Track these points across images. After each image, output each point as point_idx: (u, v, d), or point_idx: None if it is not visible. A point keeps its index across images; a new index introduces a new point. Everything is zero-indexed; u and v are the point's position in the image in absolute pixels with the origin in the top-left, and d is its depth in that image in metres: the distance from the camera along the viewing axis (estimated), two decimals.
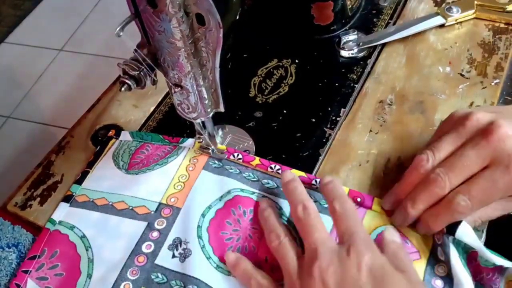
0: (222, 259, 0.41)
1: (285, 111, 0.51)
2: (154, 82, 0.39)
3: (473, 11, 0.53)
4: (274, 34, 0.59)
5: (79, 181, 0.49)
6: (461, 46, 0.52)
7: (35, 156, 0.58)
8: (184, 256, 0.41)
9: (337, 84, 0.52)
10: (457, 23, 0.54)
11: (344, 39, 0.54)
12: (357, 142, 0.47)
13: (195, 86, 0.39)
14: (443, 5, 0.55)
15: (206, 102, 0.41)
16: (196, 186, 0.45)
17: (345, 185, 0.44)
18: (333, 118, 0.49)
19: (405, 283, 0.33)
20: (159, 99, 0.56)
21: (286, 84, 0.53)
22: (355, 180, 0.45)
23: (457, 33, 0.54)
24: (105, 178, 0.48)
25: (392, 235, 0.38)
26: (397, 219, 0.39)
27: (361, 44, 0.54)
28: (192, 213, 0.44)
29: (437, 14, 0.54)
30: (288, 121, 0.50)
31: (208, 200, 0.44)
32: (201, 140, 0.46)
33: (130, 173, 0.48)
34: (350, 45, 0.54)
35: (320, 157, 0.47)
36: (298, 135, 0.49)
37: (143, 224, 0.44)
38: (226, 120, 0.51)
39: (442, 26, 0.54)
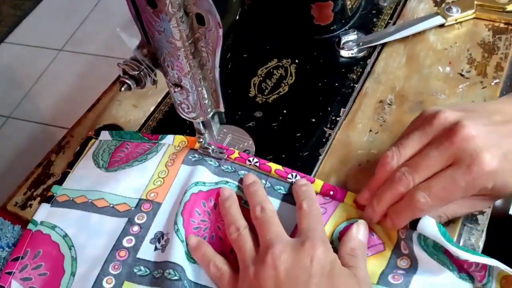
0: None
1: (285, 111, 0.51)
2: (154, 82, 0.39)
3: (473, 11, 0.53)
4: (274, 34, 0.59)
5: (60, 182, 0.49)
6: (461, 46, 0.52)
7: (35, 156, 0.58)
8: (165, 247, 0.42)
9: (337, 84, 0.52)
10: (457, 23, 0.54)
11: (344, 39, 0.54)
12: (357, 142, 0.47)
13: (194, 86, 0.39)
14: (443, 5, 0.55)
15: (206, 102, 0.41)
16: (176, 182, 0.46)
17: (345, 185, 0.45)
18: (333, 118, 0.49)
19: (352, 279, 0.35)
20: (159, 99, 0.56)
21: (286, 84, 0.53)
22: (354, 180, 0.45)
23: (457, 33, 0.54)
24: (85, 177, 0.49)
25: (357, 232, 0.39)
26: (366, 215, 0.40)
27: (361, 44, 0.54)
28: (173, 207, 0.44)
29: (437, 14, 0.54)
30: (288, 121, 0.50)
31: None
32: (200, 140, 0.46)
33: (109, 171, 0.48)
34: (350, 45, 0.54)
35: (320, 157, 0.47)
36: (298, 135, 0.49)
37: (124, 220, 0.45)
38: (226, 120, 0.51)
39: (442, 26, 0.54)
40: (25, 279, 0.43)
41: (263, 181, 0.45)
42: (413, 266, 0.38)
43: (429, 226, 0.37)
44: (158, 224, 0.44)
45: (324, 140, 0.48)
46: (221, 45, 0.35)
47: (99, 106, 0.57)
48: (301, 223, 0.39)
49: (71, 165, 0.51)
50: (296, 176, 0.44)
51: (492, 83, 0.49)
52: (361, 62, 0.53)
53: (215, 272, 0.39)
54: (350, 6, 0.56)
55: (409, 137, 0.39)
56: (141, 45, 0.38)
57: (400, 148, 0.38)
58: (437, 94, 0.49)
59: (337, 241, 0.40)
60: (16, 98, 1.65)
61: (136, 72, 0.38)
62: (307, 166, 0.46)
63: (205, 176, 0.46)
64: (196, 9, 0.33)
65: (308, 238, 0.36)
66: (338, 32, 0.56)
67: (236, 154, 0.47)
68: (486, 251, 0.40)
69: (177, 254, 0.41)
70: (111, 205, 0.46)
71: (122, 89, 0.38)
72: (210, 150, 0.47)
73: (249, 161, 0.46)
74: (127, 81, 0.38)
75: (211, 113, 0.42)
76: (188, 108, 0.42)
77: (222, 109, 0.42)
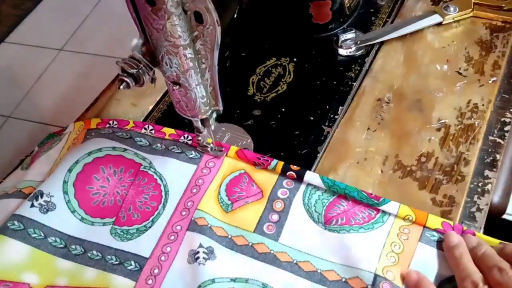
0: (87, 212, 0.45)
1: (283, 109, 0.51)
2: (152, 80, 0.39)
3: (471, 9, 0.54)
4: (272, 32, 0.59)
5: None
6: (458, 44, 0.52)
7: None
8: (46, 209, 0.44)
9: (335, 83, 0.52)
10: (454, 22, 0.54)
11: (342, 37, 0.55)
12: (355, 140, 0.47)
13: (193, 84, 0.39)
14: (441, 3, 0.55)
15: (205, 100, 0.41)
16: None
17: (343, 182, 0.45)
18: (331, 116, 0.50)
19: None
20: (158, 98, 0.56)
21: (284, 82, 0.54)
22: (352, 178, 0.45)
23: (454, 31, 0.54)
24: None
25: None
26: None
27: (359, 42, 0.54)
28: (58, 169, 0.46)
29: (434, 12, 0.54)
30: (286, 119, 0.51)
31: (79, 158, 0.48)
32: (200, 138, 0.47)
33: (27, 169, 0.52)
34: (348, 43, 0.54)
35: (318, 155, 0.47)
36: (296, 133, 0.49)
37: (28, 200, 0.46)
38: (225, 118, 0.51)
39: (439, 24, 0.54)
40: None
41: (158, 145, 0.48)
42: (285, 210, 0.43)
43: (313, 177, 0.43)
44: (43, 185, 0.46)
45: (322, 138, 0.48)
46: (220, 43, 0.36)
47: (98, 105, 0.58)
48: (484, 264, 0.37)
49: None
50: (187, 137, 0.48)
51: (490, 81, 0.49)
52: (359, 61, 0.54)
53: None
54: (348, 5, 0.56)
55: None
56: (140, 43, 0.38)
57: None
58: (435, 92, 0.49)
59: (224, 193, 0.45)
60: (16, 98, 1.65)
61: (135, 70, 0.38)
62: (305, 164, 0.46)
63: (101, 143, 0.48)
64: (194, 7, 0.33)
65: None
66: (336, 30, 0.57)
67: (131, 124, 0.50)
68: None
69: (64, 222, 0.44)
70: (19, 189, 0.47)
71: (121, 87, 0.38)
72: (209, 148, 0.47)
73: (145, 128, 0.49)
74: (125, 79, 0.38)
75: (210, 111, 0.43)
76: (187, 106, 0.42)
77: (220, 107, 0.42)
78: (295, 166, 0.44)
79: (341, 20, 0.57)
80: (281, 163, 0.45)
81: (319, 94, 0.52)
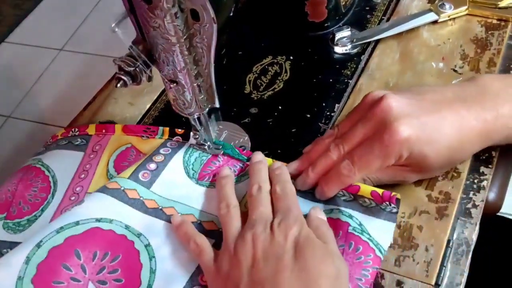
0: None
1: (280, 107, 0.52)
2: (149, 79, 0.40)
3: (466, 7, 0.54)
4: (268, 31, 0.59)
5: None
6: (454, 42, 0.53)
7: None
8: None
9: (331, 80, 0.52)
10: (450, 19, 0.54)
11: (338, 35, 0.55)
12: None
13: (190, 82, 0.39)
14: (436, 1, 0.55)
15: (201, 97, 0.41)
16: None
17: None
18: (328, 113, 0.50)
19: (323, 250, 0.36)
20: (155, 97, 0.56)
21: (281, 80, 0.54)
22: None
23: (450, 29, 0.54)
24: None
25: (317, 212, 0.41)
26: (299, 182, 0.43)
27: (354, 40, 0.54)
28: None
29: (430, 10, 0.54)
30: (283, 117, 0.51)
31: None
32: (197, 136, 0.47)
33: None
34: (344, 41, 0.55)
35: None
36: (293, 130, 0.49)
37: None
38: (222, 116, 0.51)
39: (435, 22, 0.54)
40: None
41: (51, 146, 0.51)
42: (164, 162, 0.45)
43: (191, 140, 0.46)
44: None
45: (319, 135, 0.48)
46: (216, 41, 0.36)
47: (95, 104, 0.58)
48: (277, 205, 0.41)
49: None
50: (75, 130, 0.51)
51: None
52: (355, 58, 0.54)
53: (195, 248, 0.40)
54: (344, 3, 0.56)
55: (346, 118, 0.44)
56: (136, 42, 0.38)
57: (339, 127, 0.43)
58: None
59: (112, 169, 0.47)
60: (16, 98, 1.65)
61: (132, 69, 0.38)
62: None
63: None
64: (191, 4, 0.34)
65: (284, 219, 0.38)
66: (332, 28, 0.57)
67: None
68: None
69: None
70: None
71: (118, 85, 0.39)
72: (206, 147, 0.47)
73: (72, 131, 0.52)
74: (122, 77, 0.38)
75: (207, 109, 0.43)
76: (184, 104, 0.42)
77: (217, 104, 0.42)
78: (180, 130, 0.47)
79: (337, 18, 0.57)
80: (167, 129, 0.47)
81: (316, 92, 0.52)
